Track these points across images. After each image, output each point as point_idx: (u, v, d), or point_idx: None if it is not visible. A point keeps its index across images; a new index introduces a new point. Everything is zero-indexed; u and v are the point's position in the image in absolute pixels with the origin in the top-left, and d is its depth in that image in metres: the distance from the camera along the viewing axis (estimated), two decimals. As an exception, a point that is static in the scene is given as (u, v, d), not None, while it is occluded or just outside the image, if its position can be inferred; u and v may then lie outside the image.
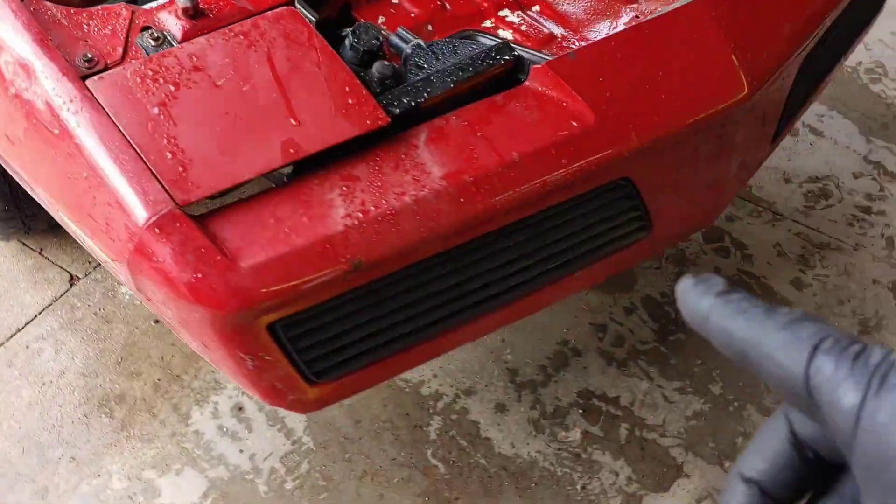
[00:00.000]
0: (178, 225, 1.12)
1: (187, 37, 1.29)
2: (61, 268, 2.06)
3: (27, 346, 1.90)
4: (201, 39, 1.26)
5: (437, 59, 1.35)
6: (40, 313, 1.96)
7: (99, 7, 1.31)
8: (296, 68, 1.26)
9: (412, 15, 1.48)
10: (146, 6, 1.34)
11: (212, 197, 1.18)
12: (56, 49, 1.21)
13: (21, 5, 1.24)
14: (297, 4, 1.36)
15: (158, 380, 1.85)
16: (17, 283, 2.02)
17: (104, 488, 1.72)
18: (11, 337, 1.91)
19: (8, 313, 1.96)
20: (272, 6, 1.35)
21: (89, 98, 1.17)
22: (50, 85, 1.18)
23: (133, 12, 1.31)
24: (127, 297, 1.98)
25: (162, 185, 1.13)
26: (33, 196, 1.43)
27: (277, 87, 1.24)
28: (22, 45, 1.21)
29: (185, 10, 1.29)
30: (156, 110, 1.18)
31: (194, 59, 1.24)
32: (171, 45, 1.27)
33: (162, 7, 1.32)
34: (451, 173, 1.24)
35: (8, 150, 1.35)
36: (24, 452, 1.74)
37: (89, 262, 2.06)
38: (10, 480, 1.71)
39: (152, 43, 1.27)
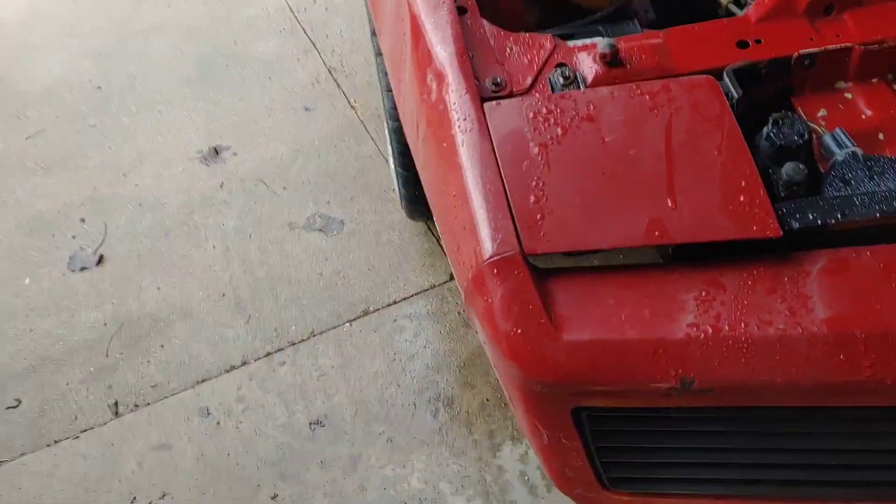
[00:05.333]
0: (516, 272, 1.06)
1: (597, 83, 1.22)
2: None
3: (394, 320, 2.05)
4: (604, 89, 1.18)
5: (871, 177, 1.11)
6: (416, 294, 2.11)
7: (527, 34, 1.30)
8: (693, 144, 1.13)
9: (863, 116, 1.23)
10: (571, 43, 1.31)
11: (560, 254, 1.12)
12: (470, 67, 1.22)
13: (457, 19, 1.28)
14: (725, 76, 1.22)
15: (486, 400, 1.86)
16: (408, 260, 2.19)
17: (402, 481, 1.78)
18: (386, 307, 2.08)
19: (392, 285, 2.14)
20: (696, 72, 1.23)
21: (481, 121, 1.17)
22: (453, 99, 1.20)
23: (555, 47, 1.28)
24: (491, 307, 2.05)
25: (515, 227, 1.08)
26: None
27: (666, 160, 1.11)
28: (444, 55, 1.25)
29: (602, 56, 1.23)
30: (535, 150, 1.14)
31: (591, 107, 1.17)
32: (579, 87, 1.22)
33: (583, 48, 1.27)
34: (840, 319, 1.01)
35: (413, 144, 1.43)
36: (356, 415, 1.88)
37: (473, 263, 2.16)
38: (335, 434, 1.87)
39: (561, 81, 1.23)
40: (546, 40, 1.29)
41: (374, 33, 1.79)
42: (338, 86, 2.77)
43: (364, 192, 2.38)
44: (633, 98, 1.17)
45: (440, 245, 2.20)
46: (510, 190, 1.11)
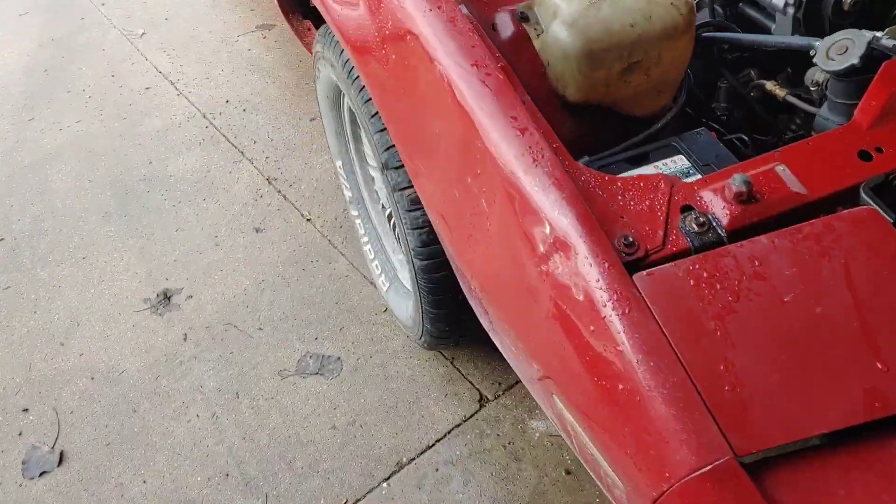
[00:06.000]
0: (734, 481, 0.90)
1: (734, 225, 1.08)
2: (471, 384, 1.98)
3: (436, 469, 1.82)
4: (763, 239, 1.05)
5: None
6: (450, 433, 1.88)
7: (636, 176, 1.15)
8: (881, 291, 1.01)
9: None
10: (686, 179, 1.17)
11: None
12: (602, 234, 1.05)
13: (566, 175, 1.11)
14: (865, 196, 1.11)
15: (570, 549, 1.66)
16: (428, 392, 1.97)
17: None
18: (422, 454, 1.85)
19: (418, 425, 1.91)
20: (831, 194, 1.12)
21: (637, 299, 1.00)
22: (594, 275, 1.02)
23: (672, 186, 1.13)
24: (536, 434, 1.84)
25: (718, 428, 0.92)
26: (506, 351, 1.30)
27: (857, 315, 0.99)
28: (565, 221, 1.07)
29: (738, 195, 1.09)
30: (711, 325, 0.98)
31: (756, 263, 1.02)
32: (718, 233, 1.08)
33: (705, 185, 1.13)
34: None
35: (506, 308, 1.23)
36: None
37: (499, 384, 1.96)
38: None
39: (696, 228, 1.08)
40: (660, 181, 1.13)
41: (385, 166, 1.58)
42: (284, 197, 2.51)
43: (352, 319, 2.14)
44: (799, 245, 1.03)
45: (457, 368, 2.00)
46: (698, 380, 0.95)
